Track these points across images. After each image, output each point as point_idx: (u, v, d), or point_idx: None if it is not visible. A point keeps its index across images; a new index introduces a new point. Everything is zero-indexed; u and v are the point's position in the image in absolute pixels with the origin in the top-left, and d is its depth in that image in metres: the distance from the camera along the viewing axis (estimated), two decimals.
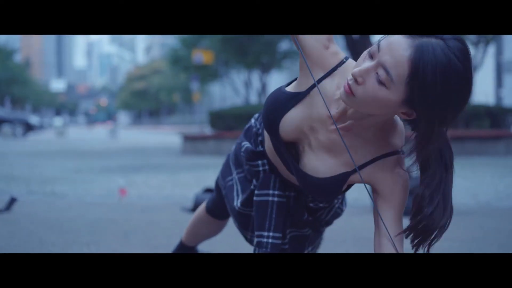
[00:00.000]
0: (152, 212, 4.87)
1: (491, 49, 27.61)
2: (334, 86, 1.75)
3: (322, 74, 1.77)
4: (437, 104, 1.51)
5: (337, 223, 2.41)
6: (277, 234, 1.98)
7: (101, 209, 4.99)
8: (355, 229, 4.00)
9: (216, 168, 9.57)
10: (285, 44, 33.98)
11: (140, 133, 41.50)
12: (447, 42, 1.50)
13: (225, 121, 14.00)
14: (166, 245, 3.38)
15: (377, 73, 1.53)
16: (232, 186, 2.15)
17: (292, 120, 1.81)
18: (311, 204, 2.05)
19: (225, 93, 40.08)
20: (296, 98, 1.81)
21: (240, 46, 31.12)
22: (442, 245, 3.44)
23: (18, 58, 75.67)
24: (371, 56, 1.56)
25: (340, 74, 1.75)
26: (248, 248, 2.26)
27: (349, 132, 1.73)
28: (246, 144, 2.08)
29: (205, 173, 8.62)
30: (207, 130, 17.00)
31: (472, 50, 23.40)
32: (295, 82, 1.87)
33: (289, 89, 1.86)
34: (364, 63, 1.57)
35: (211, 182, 7.12)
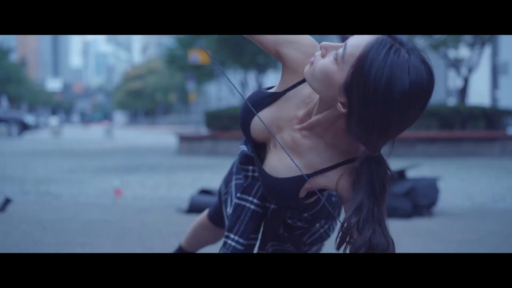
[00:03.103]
0: (147, 213, 4.85)
1: (487, 51, 27.64)
2: (310, 91, 1.75)
3: (299, 79, 1.80)
4: (369, 104, 1.50)
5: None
6: (241, 240, 1.97)
7: (96, 210, 4.97)
8: None
9: (211, 168, 9.60)
10: None
11: (136, 133, 41.49)
12: (412, 56, 1.49)
13: (221, 122, 13.99)
14: (161, 247, 3.37)
15: (336, 53, 1.56)
16: (231, 192, 2.15)
17: (263, 118, 1.82)
18: (289, 221, 2.03)
19: (221, 93, 40.05)
20: (272, 97, 1.84)
21: (236, 46, 31.12)
22: (438, 247, 3.45)
23: (14, 57, 75.44)
24: (343, 40, 1.60)
25: None
26: None
27: (311, 132, 1.74)
28: (243, 147, 2.08)
29: (200, 174, 8.61)
30: (203, 130, 16.99)
31: (468, 52, 23.46)
32: (275, 86, 1.90)
33: (270, 90, 1.89)
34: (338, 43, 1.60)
35: (206, 183, 7.12)
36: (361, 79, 1.49)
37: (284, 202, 1.85)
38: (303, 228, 2.05)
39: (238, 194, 2.01)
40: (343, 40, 1.59)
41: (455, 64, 23.51)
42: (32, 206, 5.18)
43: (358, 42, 1.53)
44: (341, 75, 1.54)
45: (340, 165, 1.72)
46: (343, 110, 1.57)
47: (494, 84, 30.61)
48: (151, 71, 70.51)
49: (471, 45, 22.60)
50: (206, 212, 2.50)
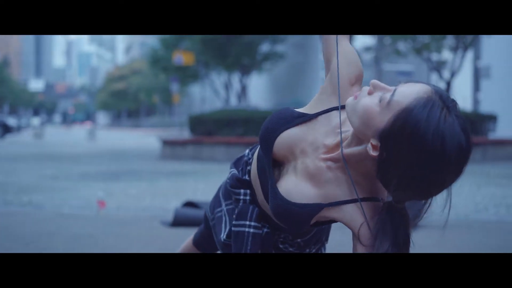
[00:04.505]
0: (131, 226, 4.82)
1: (469, 54, 27.81)
2: (343, 120, 1.74)
3: (334, 105, 1.79)
4: (406, 159, 1.49)
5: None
6: None
7: (79, 223, 4.94)
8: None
9: (195, 175, 9.58)
10: (265, 46, 34.03)
11: (119, 134, 41.32)
12: (455, 124, 1.47)
13: (205, 126, 13.93)
14: None
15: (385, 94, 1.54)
16: (221, 217, 2.13)
17: (289, 137, 1.79)
18: (280, 246, 2.02)
19: (205, 95, 40.03)
20: (302, 118, 1.81)
21: (220, 47, 31.10)
22: None
23: None
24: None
25: None
26: None
27: (336, 165, 1.71)
28: (234, 171, 2.06)
29: (184, 182, 8.59)
30: (187, 133, 16.94)
31: (450, 55, 23.59)
32: (306, 106, 1.87)
33: (298, 110, 1.86)
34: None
35: (191, 192, 7.11)
36: (401, 130, 1.48)
37: (292, 226, 1.79)
38: (294, 253, 2.04)
39: (234, 222, 1.98)
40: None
41: (438, 67, 23.64)
42: (14, 218, 5.13)
43: (408, 91, 1.50)
44: (381, 118, 1.52)
45: (358, 201, 1.69)
46: (372, 152, 1.56)
47: (476, 87, 30.83)
48: (134, 72, 70.34)
49: (454, 49, 22.73)
50: (191, 238, 2.50)
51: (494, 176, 9.51)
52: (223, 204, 2.15)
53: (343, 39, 1.84)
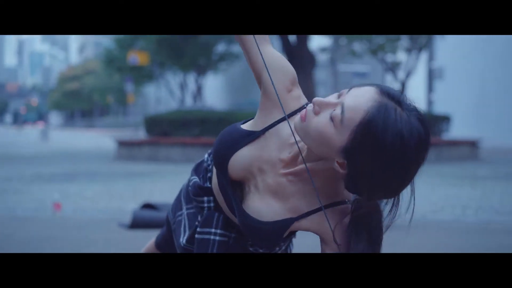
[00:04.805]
0: (89, 228, 4.74)
1: (423, 56, 28.22)
2: (289, 130, 1.71)
3: (278, 117, 1.74)
4: (376, 168, 1.49)
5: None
6: None
7: (35, 226, 4.83)
8: None
9: (151, 176, 9.50)
10: (221, 46, 33.99)
11: (73, 135, 40.80)
12: (411, 118, 1.48)
13: (161, 127, 13.83)
14: None
15: (334, 110, 1.52)
16: (181, 221, 2.09)
17: (242, 158, 1.76)
18: (250, 249, 1.99)
19: (160, 95, 39.79)
20: (251, 136, 1.77)
21: (175, 47, 30.94)
22: None
23: None
24: (339, 96, 1.55)
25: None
26: None
27: (297, 178, 1.69)
28: (195, 179, 2.02)
29: (141, 183, 8.50)
30: (142, 134, 16.81)
31: (405, 56, 23.92)
32: (251, 120, 1.83)
33: (244, 127, 1.81)
34: (330, 98, 1.55)
35: (148, 194, 7.03)
36: (363, 144, 1.47)
37: (267, 243, 1.78)
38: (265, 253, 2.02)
39: (199, 229, 1.94)
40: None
41: (393, 68, 23.94)
42: None
43: (356, 104, 1.48)
44: (340, 138, 1.50)
45: (326, 207, 1.69)
46: (341, 171, 1.55)
47: (430, 88, 31.31)
48: (88, 72, 69.57)
49: (408, 50, 23.05)
50: (153, 240, 2.45)
51: (449, 176, 9.64)
52: (184, 208, 2.11)
53: (264, 44, 1.79)
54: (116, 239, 4.29)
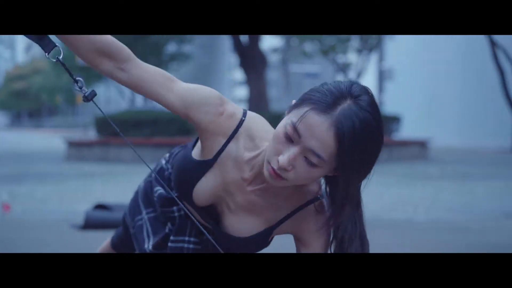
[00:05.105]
0: (40, 230, 4.64)
1: (374, 57, 28.56)
2: (241, 148, 1.69)
3: (224, 141, 1.70)
4: (359, 163, 1.52)
5: None
6: None
7: None
8: None
9: (103, 176, 9.38)
10: (172, 46, 33.82)
11: (20, 135, 40.06)
12: (358, 101, 1.49)
13: (111, 127, 13.67)
14: None
15: (305, 157, 1.51)
16: (142, 226, 2.05)
17: (205, 187, 1.75)
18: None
19: (110, 95, 39.37)
20: (205, 165, 1.74)
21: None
22: None
23: None
24: (291, 140, 1.52)
25: (244, 133, 1.70)
26: None
27: (266, 192, 1.70)
28: (159, 190, 1.99)
29: (92, 183, 8.38)
30: (92, 134, 16.60)
31: (355, 57, 24.18)
32: (199, 149, 1.78)
33: (194, 155, 1.77)
34: (288, 149, 1.52)
35: (99, 194, 6.93)
36: (348, 157, 1.49)
37: (250, 251, 1.79)
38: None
39: (173, 237, 1.93)
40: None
41: (344, 69, 24.18)
42: None
43: (322, 142, 1.48)
44: (328, 168, 1.53)
45: (298, 210, 1.72)
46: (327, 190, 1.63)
47: (380, 89, 31.71)
48: (36, 71, 68.36)
49: (359, 51, 23.31)
50: (108, 241, 2.41)
51: (400, 176, 9.76)
52: (144, 212, 2.08)
53: (172, 86, 1.68)
54: (69, 240, 4.21)
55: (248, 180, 1.69)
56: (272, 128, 1.69)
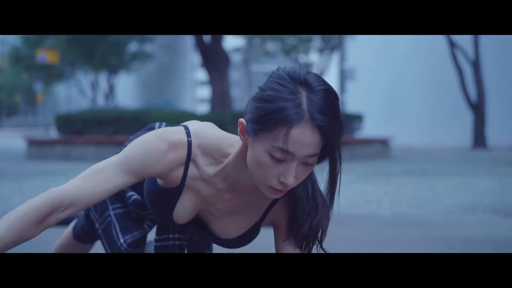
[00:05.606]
0: None
1: (336, 57, 28.76)
2: (203, 166, 1.70)
3: (182, 169, 1.70)
4: (339, 129, 1.57)
5: None
6: None
7: None
8: None
9: (65, 175, 9.26)
10: (133, 45, 33.62)
11: None
12: (310, 88, 1.52)
13: (73, 125, 13.56)
14: None
15: (302, 163, 1.55)
16: (110, 223, 2.06)
17: (183, 209, 1.77)
18: (207, 251, 2.09)
19: (71, 94, 38.93)
20: (176, 191, 1.75)
21: (86, 46, 30.39)
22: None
23: None
24: (279, 160, 1.53)
25: (198, 152, 1.70)
26: None
27: (240, 191, 1.74)
28: (134, 195, 1.99)
29: (54, 181, 8.28)
30: (53, 134, 16.43)
31: (317, 57, 24.30)
32: (160, 181, 1.78)
33: (161, 182, 1.76)
34: (285, 168, 1.54)
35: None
36: (332, 133, 1.55)
37: (244, 245, 1.86)
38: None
39: (156, 237, 1.95)
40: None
41: (306, 68, 24.28)
42: None
43: (313, 146, 1.53)
44: (318, 157, 1.59)
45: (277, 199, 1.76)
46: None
47: (342, 88, 31.95)
48: None
49: (321, 51, 23.45)
50: (70, 232, 2.39)
51: (363, 173, 9.84)
52: (110, 208, 2.07)
53: (119, 176, 1.66)
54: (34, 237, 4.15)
55: (223, 189, 1.73)
56: (220, 130, 1.73)
